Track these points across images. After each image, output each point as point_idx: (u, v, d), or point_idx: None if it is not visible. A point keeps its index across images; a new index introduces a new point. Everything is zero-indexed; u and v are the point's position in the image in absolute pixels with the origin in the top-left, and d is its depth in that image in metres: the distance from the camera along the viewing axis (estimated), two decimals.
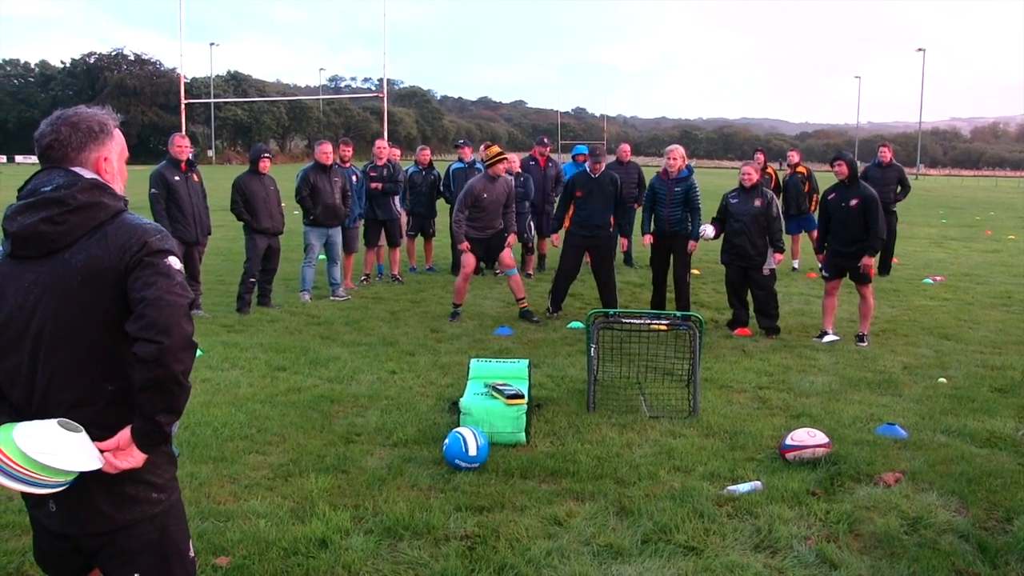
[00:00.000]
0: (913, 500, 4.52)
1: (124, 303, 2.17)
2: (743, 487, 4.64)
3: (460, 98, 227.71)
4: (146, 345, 2.09)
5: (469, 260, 9.34)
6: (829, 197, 8.48)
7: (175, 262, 2.22)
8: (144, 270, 2.15)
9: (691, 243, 9.39)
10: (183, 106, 31.88)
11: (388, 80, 36.02)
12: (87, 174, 2.26)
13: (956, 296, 11.47)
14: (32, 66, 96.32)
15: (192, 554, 2.48)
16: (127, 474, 2.23)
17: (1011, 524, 4.26)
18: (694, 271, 12.83)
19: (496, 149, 9.61)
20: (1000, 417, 6.01)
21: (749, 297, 8.97)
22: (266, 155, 9.75)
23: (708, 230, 8.89)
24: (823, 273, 8.60)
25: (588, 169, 9.45)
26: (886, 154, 13.02)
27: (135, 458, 2.19)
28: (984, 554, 3.92)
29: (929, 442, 5.47)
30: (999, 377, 7.15)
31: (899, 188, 12.81)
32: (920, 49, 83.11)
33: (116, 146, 2.37)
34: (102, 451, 2.17)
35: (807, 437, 5.10)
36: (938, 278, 13.03)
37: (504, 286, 11.00)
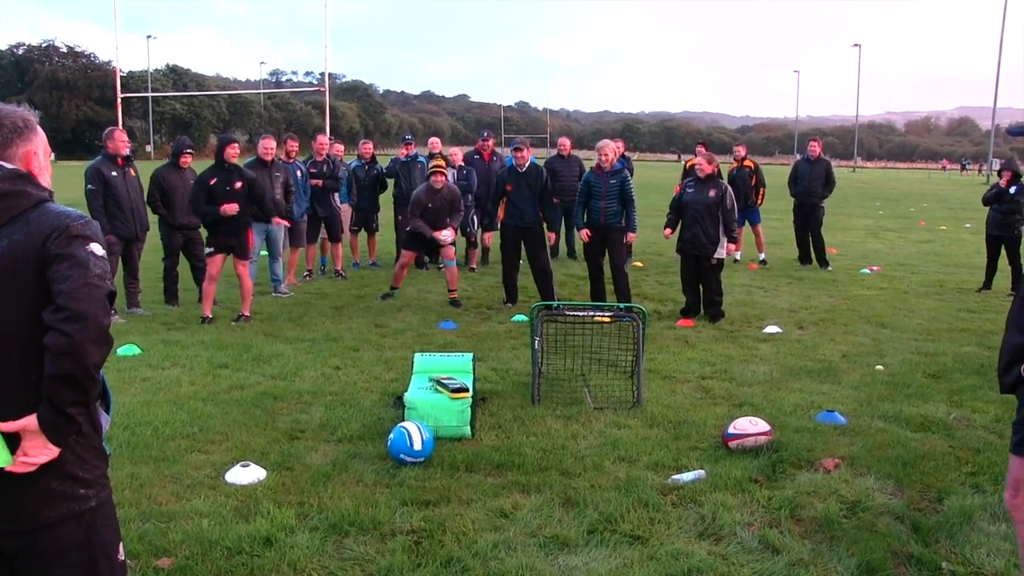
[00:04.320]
0: (852, 484, 4.62)
1: (47, 290, 2.13)
2: (687, 476, 4.70)
3: (403, 92, 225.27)
4: (57, 336, 2.05)
5: (408, 254, 9.87)
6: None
7: (97, 248, 2.17)
8: (63, 262, 2.11)
9: (629, 235, 9.50)
10: (119, 100, 31.04)
11: (330, 74, 35.67)
12: (8, 165, 2.24)
13: (892, 285, 11.76)
14: None
15: (122, 557, 2.39)
16: (52, 468, 2.16)
17: (942, 504, 4.40)
18: (637, 263, 12.98)
19: (438, 161, 10.18)
20: (933, 402, 6.19)
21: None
22: (188, 151, 9.56)
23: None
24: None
25: (514, 162, 9.70)
26: (815, 149, 13.35)
27: (50, 451, 2.13)
28: (917, 534, 4.04)
29: (867, 428, 5.61)
30: (932, 363, 7.36)
31: (824, 182, 13.11)
32: (856, 44, 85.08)
33: (41, 142, 2.35)
34: (6, 436, 2.11)
35: (749, 425, 5.18)
36: (875, 268, 13.36)
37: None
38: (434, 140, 13.66)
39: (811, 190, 13.09)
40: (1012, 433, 3.07)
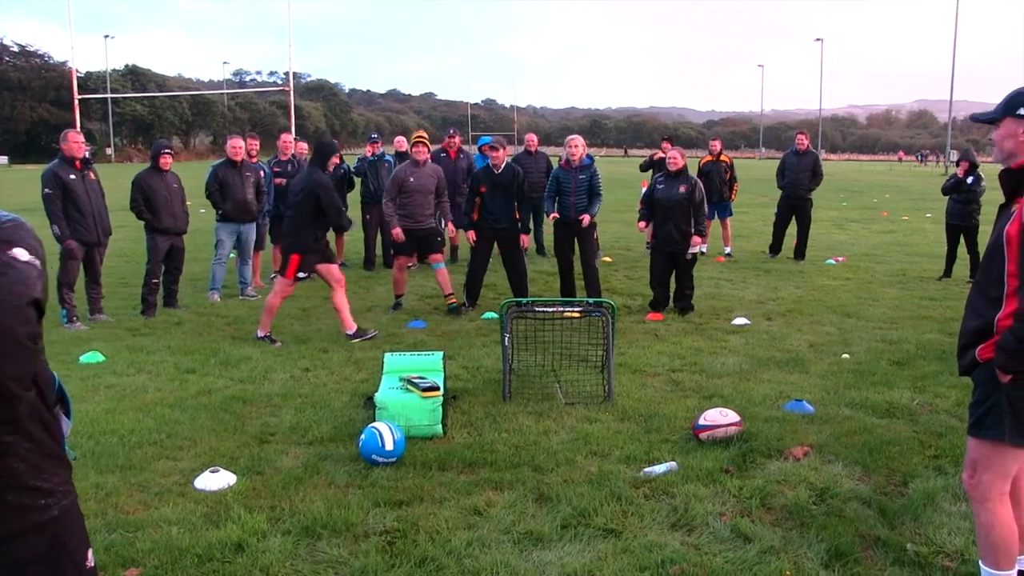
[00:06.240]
0: (820, 472, 4.68)
1: None
2: (659, 468, 4.73)
3: (369, 91, 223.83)
4: None
5: (403, 258, 9.40)
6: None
7: (20, 253, 2.01)
8: None
9: (585, 217, 9.34)
10: (76, 102, 30.52)
11: (294, 73, 35.37)
12: None
13: (857, 275, 11.92)
14: None
15: (91, 564, 2.32)
16: (6, 481, 2.11)
17: (907, 488, 4.48)
18: (606, 258, 13.02)
19: (420, 132, 9.73)
20: (897, 388, 6.29)
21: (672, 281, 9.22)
22: (167, 151, 9.40)
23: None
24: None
25: (489, 163, 9.42)
26: (803, 142, 13.45)
27: None
28: (884, 517, 4.11)
29: (834, 416, 5.68)
30: (896, 351, 7.47)
31: (812, 175, 13.22)
32: (818, 39, 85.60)
33: None
34: None
35: (719, 417, 5.22)
36: (840, 259, 13.53)
37: (419, 278, 10.97)
38: (400, 139, 13.60)
39: (798, 182, 13.18)
40: (968, 415, 3.13)
